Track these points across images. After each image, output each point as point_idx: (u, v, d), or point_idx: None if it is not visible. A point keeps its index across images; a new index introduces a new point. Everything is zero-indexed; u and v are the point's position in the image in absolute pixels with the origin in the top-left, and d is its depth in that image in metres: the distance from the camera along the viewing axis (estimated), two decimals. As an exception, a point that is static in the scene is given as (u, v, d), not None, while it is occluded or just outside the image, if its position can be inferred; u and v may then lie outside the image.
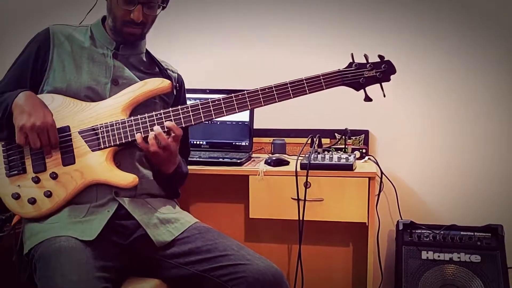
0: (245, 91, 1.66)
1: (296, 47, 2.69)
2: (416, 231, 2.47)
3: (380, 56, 1.69)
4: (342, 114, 2.62)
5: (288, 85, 1.66)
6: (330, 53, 2.64)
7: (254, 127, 2.53)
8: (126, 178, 1.61)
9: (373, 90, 1.72)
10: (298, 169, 2.16)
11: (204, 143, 2.55)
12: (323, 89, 1.67)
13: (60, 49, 1.69)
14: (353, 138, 2.56)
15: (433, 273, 2.40)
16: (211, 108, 1.66)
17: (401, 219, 2.54)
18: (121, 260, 1.58)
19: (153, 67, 1.82)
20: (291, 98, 1.66)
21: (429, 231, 2.45)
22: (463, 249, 2.40)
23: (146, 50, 1.83)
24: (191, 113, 1.65)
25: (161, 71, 1.81)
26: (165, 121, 1.63)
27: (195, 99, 2.49)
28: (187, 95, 1.98)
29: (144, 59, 1.80)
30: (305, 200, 2.15)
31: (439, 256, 2.41)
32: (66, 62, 1.68)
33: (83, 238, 1.52)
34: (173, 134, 1.62)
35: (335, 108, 2.62)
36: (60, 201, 1.61)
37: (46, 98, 1.65)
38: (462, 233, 2.43)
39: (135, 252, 1.63)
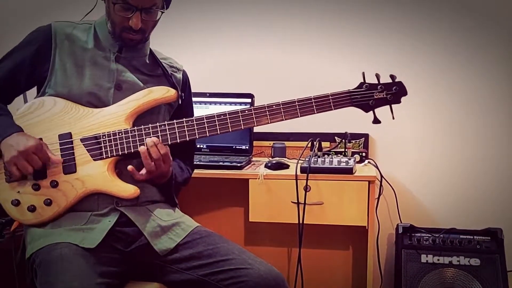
0: (252, 108, 1.63)
1: (296, 48, 2.69)
2: (416, 234, 2.47)
3: (392, 76, 1.65)
4: (342, 117, 2.60)
5: (296, 103, 1.62)
6: (330, 54, 2.65)
7: (254, 131, 2.53)
8: (127, 190, 1.59)
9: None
10: (298, 172, 2.16)
11: (204, 146, 2.55)
12: (332, 110, 1.64)
13: (62, 50, 1.65)
14: (353, 141, 2.56)
15: (432, 277, 2.40)
16: (217, 123, 1.62)
17: (401, 222, 2.54)
18: (122, 266, 1.58)
19: (157, 69, 1.77)
20: (298, 117, 1.63)
21: (429, 235, 2.45)
22: (463, 253, 2.40)
23: (150, 50, 1.77)
24: (195, 127, 1.62)
25: (165, 75, 1.77)
26: (152, 136, 1.59)
27: (195, 102, 2.49)
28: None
29: (148, 61, 1.75)
30: (305, 203, 2.15)
31: (438, 260, 2.41)
32: (68, 65, 1.64)
33: (84, 245, 1.51)
34: (161, 152, 1.58)
35: (335, 112, 2.59)
36: (60, 210, 1.59)
37: (48, 101, 1.62)
38: (461, 236, 2.43)
39: (136, 258, 1.62)
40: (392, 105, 1.68)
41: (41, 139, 1.59)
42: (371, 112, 1.68)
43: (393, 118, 1.67)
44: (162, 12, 1.65)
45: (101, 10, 1.73)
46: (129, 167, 1.58)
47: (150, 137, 1.60)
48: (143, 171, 1.60)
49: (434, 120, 2.61)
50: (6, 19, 2.91)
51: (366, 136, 2.61)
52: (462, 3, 2.54)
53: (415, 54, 2.58)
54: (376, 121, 1.68)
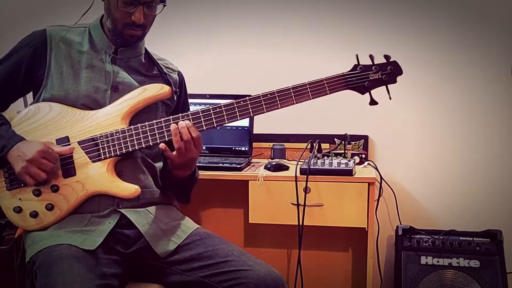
0: (247, 98, 1.62)
1: (295, 49, 2.69)
2: (415, 236, 2.47)
3: (386, 56, 1.63)
4: (342, 119, 2.62)
5: (291, 90, 1.61)
6: (331, 54, 2.65)
7: (254, 132, 2.53)
8: (128, 189, 1.59)
9: (375, 91, 1.68)
10: (298, 174, 2.16)
11: (204, 148, 2.54)
12: (327, 94, 1.62)
13: (58, 53, 1.65)
14: (353, 143, 2.56)
15: (432, 278, 2.40)
16: (213, 116, 1.62)
17: (401, 224, 2.54)
18: (122, 267, 1.57)
19: (153, 69, 1.77)
20: (294, 104, 1.61)
21: (428, 236, 2.45)
22: (462, 254, 2.40)
23: (145, 50, 1.78)
24: (192, 122, 1.61)
25: (161, 74, 1.77)
26: (184, 120, 1.59)
27: (195, 104, 2.50)
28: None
29: (143, 60, 1.76)
30: (304, 205, 2.15)
31: (438, 261, 2.41)
32: (64, 68, 1.64)
33: (84, 247, 1.51)
34: (193, 135, 1.58)
35: (335, 113, 2.63)
36: (63, 214, 1.59)
37: (43, 107, 1.63)
38: (461, 238, 2.43)
39: (136, 260, 1.62)
40: (388, 86, 1.65)
41: None
42: (370, 99, 1.66)
43: (390, 98, 1.64)
44: (164, 6, 1.65)
45: (95, 13, 1.74)
46: (161, 145, 1.59)
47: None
48: (175, 152, 1.60)
49: (434, 122, 2.61)
50: (6, 19, 2.91)
51: (365, 137, 2.61)
52: (462, 3, 2.54)
53: (415, 55, 2.58)
54: (372, 102, 1.65)
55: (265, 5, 2.71)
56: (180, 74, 1.87)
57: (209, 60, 2.77)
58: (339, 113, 2.62)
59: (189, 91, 1.92)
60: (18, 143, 1.56)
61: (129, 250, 1.61)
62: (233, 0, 2.73)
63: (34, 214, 1.59)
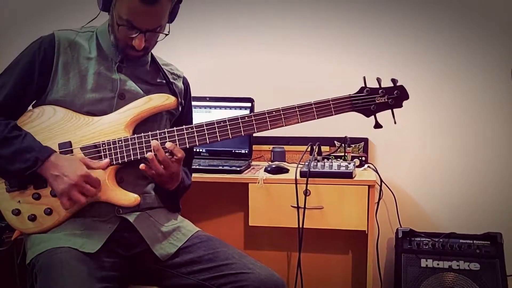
0: (252, 114, 1.62)
1: (297, 51, 2.69)
2: (416, 239, 2.47)
3: (393, 80, 1.63)
4: (342, 122, 2.59)
5: (296, 109, 1.61)
6: (331, 54, 2.65)
7: (254, 135, 2.53)
8: (128, 198, 1.58)
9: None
10: (298, 177, 2.16)
11: (204, 150, 2.55)
12: (332, 115, 1.63)
13: (65, 58, 1.62)
14: (353, 146, 2.56)
15: (432, 281, 2.40)
16: (217, 130, 1.61)
17: (401, 227, 2.54)
18: (122, 270, 1.58)
19: (158, 77, 1.76)
20: (298, 122, 1.62)
21: (428, 239, 2.45)
22: (462, 257, 2.40)
23: (152, 56, 1.77)
24: (195, 134, 1.61)
25: (167, 83, 1.76)
26: (168, 141, 1.58)
27: (194, 107, 2.49)
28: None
29: (149, 68, 1.74)
30: (304, 208, 2.15)
31: (438, 264, 2.41)
32: (71, 74, 1.62)
33: (84, 250, 1.51)
34: (175, 157, 1.58)
35: (335, 116, 2.62)
36: (61, 219, 1.58)
37: (48, 110, 1.61)
38: (461, 241, 2.43)
39: (136, 262, 1.62)
40: (394, 110, 1.66)
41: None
42: (372, 117, 1.67)
43: (395, 122, 1.65)
44: (166, 35, 1.63)
45: (100, 15, 1.73)
46: (141, 166, 1.56)
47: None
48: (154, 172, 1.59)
49: (434, 124, 2.61)
50: (6, 19, 2.90)
51: (365, 140, 2.61)
52: (463, 3, 2.54)
53: (415, 55, 2.59)
54: (377, 126, 1.67)
55: (265, 5, 2.71)
56: (185, 81, 1.85)
57: (208, 62, 2.77)
58: (339, 116, 2.59)
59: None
60: (51, 156, 1.52)
61: (130, 253, 1.61)
62: (233, 0, 2.74)
63: (32, 218, 1.58)
